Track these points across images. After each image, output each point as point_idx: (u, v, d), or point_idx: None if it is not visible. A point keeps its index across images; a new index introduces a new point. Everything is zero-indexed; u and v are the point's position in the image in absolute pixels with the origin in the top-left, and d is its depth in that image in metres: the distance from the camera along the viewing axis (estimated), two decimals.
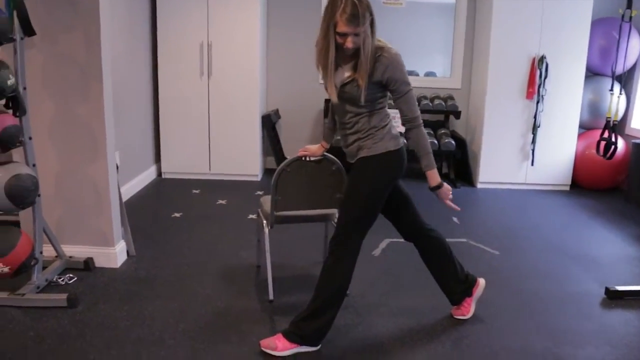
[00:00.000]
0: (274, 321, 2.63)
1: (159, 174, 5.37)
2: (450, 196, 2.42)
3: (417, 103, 2.30)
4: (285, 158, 5.55)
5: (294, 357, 2.32)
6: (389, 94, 2.30)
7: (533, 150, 5.25)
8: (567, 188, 5.42)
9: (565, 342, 2.54)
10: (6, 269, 2.55)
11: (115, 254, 3.17)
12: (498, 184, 5.41)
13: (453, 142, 5.25)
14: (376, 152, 2.29)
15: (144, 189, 4.90)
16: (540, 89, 5.11)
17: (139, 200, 4.56)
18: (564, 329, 2.67)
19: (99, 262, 3.16)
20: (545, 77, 5.08)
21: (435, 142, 5.26)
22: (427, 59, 5.88)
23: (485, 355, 2.41)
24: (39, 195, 2.76)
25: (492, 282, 3.08)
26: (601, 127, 4.80)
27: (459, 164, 5.60)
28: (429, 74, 5.87)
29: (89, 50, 2.91)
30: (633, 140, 5.02)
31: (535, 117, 5.18)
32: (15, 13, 2.54)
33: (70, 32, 2.89)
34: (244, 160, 5.26)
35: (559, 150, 5.29)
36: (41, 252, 2.82)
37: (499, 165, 5.34)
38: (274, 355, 2.32)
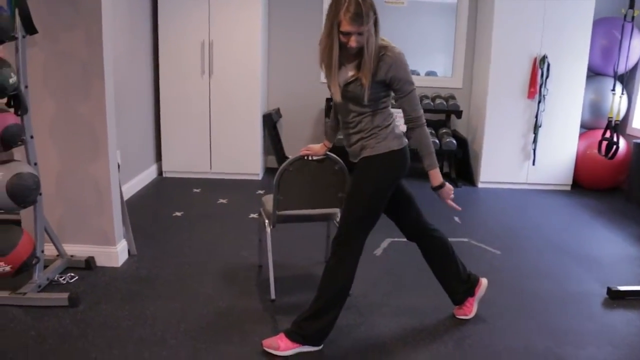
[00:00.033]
0: (276, 321, 2.62)
1: (160, 172, 5.37)
2: (452, 196, 2.41)
3: (420, 102, 2.29)
4: (286, 157, 5.56)
5: (296, 357, 2.32)
6: (392, 93, 2.29)
7: (534, 150, 5.25)
8: (568, 188, 5.42)
9: (567, 342, 2.54)
10: (7, 268, 2.54)
11: (116, 253, 3.17)
12: (499, 184, 5.40)
13: (454, 141, 5.25)
14: (379, 151, 2.28)
15: (145, 188, 4.90)
16: (542, 89, 5.10)
17: (140, 199, 4.56)
18: (565, 329, 2.67)
19: (100, 261, 3.16)
20: (547, 77, 5.08)
21: (437, 141, 5.25)
22: (428, 59, 5.87)
23: (487, 356, 2.40)
24: (40, 194, 2.75)
25: (493, 282, 3.07)
26: (602, 127, 4.80)
27: (460, 164, 5.60)
28: (429, 74, 5.86)
29: (90, 49, 2.90)
30: (634, 140, 5.01)
31: (536, 116, 5.17)
32: (17, 11, 2.53)
33: (71, 30, 2.88)
34: (245, 159, 5.25)
35: (560, 150, 5.29)
36: (42, 251, 2.82)
37: (500, 164, 5.34)
38: (277, 355, 2.31)
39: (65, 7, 2.85)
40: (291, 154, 5.63)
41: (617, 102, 4.41)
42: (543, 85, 5.09)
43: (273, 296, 2.83)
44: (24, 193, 2.56)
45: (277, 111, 5.68)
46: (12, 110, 2.61)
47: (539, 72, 5.08)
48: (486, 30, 5.27)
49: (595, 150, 4.99)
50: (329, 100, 5.50)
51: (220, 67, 5.05)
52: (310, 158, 2.63)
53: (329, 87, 2.27)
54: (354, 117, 2.31)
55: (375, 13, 2.09)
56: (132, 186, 4.64)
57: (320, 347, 2.38)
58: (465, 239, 3.88)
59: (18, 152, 2.87)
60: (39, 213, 2.79)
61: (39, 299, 2.68)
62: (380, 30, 2.15)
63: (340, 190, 2.75)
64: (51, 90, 2.96)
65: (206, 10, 4.93)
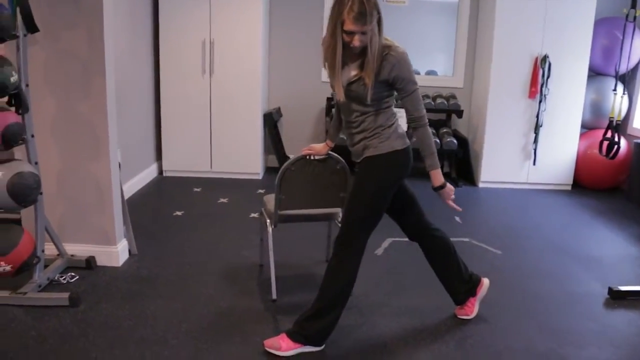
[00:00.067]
0: (278, 321, 2.62)
1: (160, 172, 5.36)
2: (453, 197, 2.41)
3: (422, 102, 2.29)
4: (287, 156, 5.56)
5: (297, 357, 2.31)
6: (395, 92, 2.28)
7: (535, 150, 5.24)
8: (569, 188, 5.42)
9: (568, 343, 2.53)
10: (8, 268, 2.54)
11: (117, 252, 3.16)
12: (500, 184, 5.40)
13: (455, 141, 5.24)
14: (382, 151, 2.28)
15: (145, 187, 4.89)
16: (543, 89, 5.10)
17: (140, 198, 4.55)
18: (567, 329, 2.67)
19: (101, 261, 3.15)
20: (548, 77, 5.07)
21: (437, 141, 5.25)
22: (428, 58, 5.86)
23: (489, 356, 2.40)
24: (41, 194, 2.75)
25: (495, 282, 3.07)
26: (603, 126, 4.80)
27: (461, 163, 5.59)
28: (430, 73, 5.85)
29: (91, 48, 2.89)
30: (635, 140, 5.00)
31: (537, 116, 5.17)
32: (18, 9, 2.52)
33: (73, 29, 2.87)
34: (246, 158, 5.24)
35: (561, 149, 5.28)
36: (43, 251, 2.81)
37: (500, 164, 5.33)
38: (278, 355, 2.31)
39: (67, 6, 2.84)
40: (292, 153, 5.64)
41: (618, 102, 4.41)
42: (544, 85, 5.09)
43: (274, 296, 2.82)
44: (25, 192, 2.55)
45: (278, 110, 5.67)
46: (13, 109, 2.60)
47: (540, 72, 5.07)
48: (487, 29, 5.26)
49: (596, 150, 4.98)
50: (329, 99, 5.50)
51: (221, 66, 5.04)
52: (312, 157, 2.63)
53: (332, 86, 2.26)
54: (357, 117, 2.30)
55: (378, 12, 2.09)
56: (132, 185, 4.63)
57: (322, 347, 2.37)
58: (466, 239, 3.87)
59: (19, 151, 2.87)
60: (39, 212, 2.79)
61: (39, 299, 2.68)
62: (383, 30, 2.15)
63: (342, 190, 2.75)
64: (52, 89, 2.95)
65: (207, 9, 4.92)
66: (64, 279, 2.94)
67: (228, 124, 5.15)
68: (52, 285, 2.88)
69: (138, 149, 4.80)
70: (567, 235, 4.08)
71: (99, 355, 2.26)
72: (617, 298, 3.02)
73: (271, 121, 5.37)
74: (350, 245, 2.30)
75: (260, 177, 5.37)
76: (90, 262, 3.08)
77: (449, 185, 2.39)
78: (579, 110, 5.20)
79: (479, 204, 4.86)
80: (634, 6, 3.76)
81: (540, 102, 5.13)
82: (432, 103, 5.40)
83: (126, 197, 4.33)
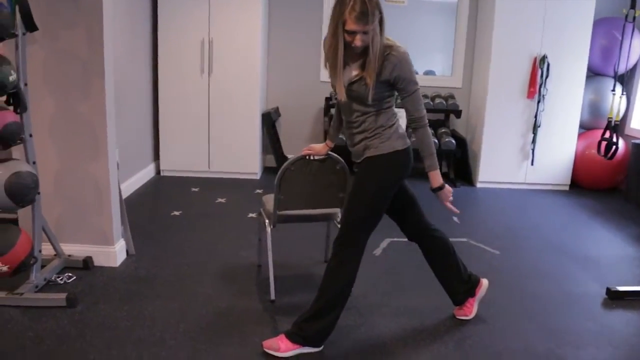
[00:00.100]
0: (276, 321, 2.61)
1: (158, 171, 5.34)
2: (451, 198, 2.41)
3: (423, 103, 2.28)
4: (285, 156, 5.55)
5: (296, 358, 2.31)
6: (396, 93, 2.28)
7: (533, 150, 5.25)
8: (567, 188, 5.42)
9: (567, 343, 2.53)
10: (5, 268, 2.52)
11: (114, 252, 3.15)
12: (498, 184, 5.40)
13: (453, 141, 5.24)
14: (383, 151, 2.27)
15: (143, 186, 4.87)
16: (542, 89, 5.10)
17: (138, 198, 4.53)
18: (565, 329, 2.67)
19: (98, 261, 3.13)
20: (547, 77, 5.08)
21: (436, 141, 5.25)
22: (426, 57, 5.86)
23: (488, 356, 2.40)
24: (38, 193, 2.73)
25: (493, 282, 3.07)
26: (601, 127, 4.80)
27: (459, 163, 5.59)
28: (428, 73, 5.85)
29: (91, 47, 2.88)
30: (633, 141, 5.02)
31: (535, 116, 5.17)
32: (17, 8, 2.50)
33: (72, 28, 2.85)
34: (244, 158, 5.23)
35: (559, 150, 5.29)
36: (40, 251, 2.80)
37: (499, 164, 5.34)
38: (277, 356, 2.30)
39: (66, 5, 2.82)
40: (290, 153, 5.63)
41: (617, 102, 4.41)
42: (543, 85, 5.09)
43: (273, 296, 2.81)
44: (23, 192, 2.53)
45: (276, 110, 5.66)
46: (11, 108, 2.58)
47: (538, 72, 5.07)
48: (486, 29, 5.26)
49: (594, 151, 4.99)
50: (328, 99, 5.49)
51: (219, 66, 5.02)
52: (312, 158, 2.62)
53: (334, 86, 2.25)
54: (357, 117, 2.29)
55: (380, 12, 2.08)
56: (130, 185, 4.62)
57: (321, 348, 2.37)
58: (464, 239, 3.87)
59: (17, 151, 2.85)
60: (37, 212, 2.77)
61: (36, 300, 2.66)
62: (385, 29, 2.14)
63: (342, 190, 2.74)
64: (51, 89, 2.93)
65: (206, 9, 4.90)
66: (61, 280, 2.92)
67: (226, 124, 5.14)
68: (49, 285, 2.86)
69: (135, 149, 4.78)
70: (565, 235, 4.08)
71: (97, 357, 2.25)
72: (615, 298, 3.02)
73: (269, 121, 5.36)
74: (350, 246, 2.29)
75: (258, 177, 5.36)
76: (87, 262, 3.07)
77: (447, 187, 2.38)
78: (577, 110, 5.21)
79: (477, 204, 4.86)
80: (633, 6, 3.76)
81: (538, 102, 5.14)
82: (431, 103, 5.40)
83: (124, 197, 4.32)
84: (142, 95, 4.89)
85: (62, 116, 2.97)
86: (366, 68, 2.15)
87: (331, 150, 2.64)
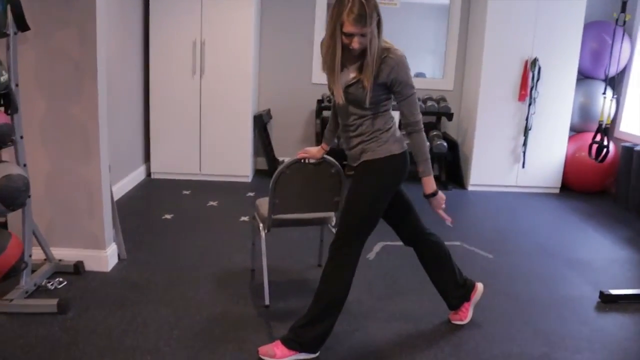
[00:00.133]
0: (271, 327, 2.58)
1: (148, 174, 5.29)
2: (444, 206, 2.40)
3: (419, 107, 2.27)
4: (276, 159, 5.52)
5: None
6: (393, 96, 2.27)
7: (524, 153, 5.27)
8: (557, 191, 5.45)
9: (562, 347, 2.54)
10: None
11: (106, 257, 3.10)
12: (489, 187, 5.41)
13: (445, 144, 5.24)
14: (380, 155, 2.26)
15: (133, 189, 4.82)
16: (533, 92, 5.13)
17: (129, 201, 4.48)
18: (560, 333, 2.67)
19: (89, 266, 3.09)
20: (538, 80, 5.10)
21: (427, 144, 5.24)
22: (417, 60, 5.87)
23: None
24: (29, 196, 2.68)
25: (487, 286, 3.06)
26: (591, 130, 4.83)
27: (451, 166, 5.60)
28: (418, 75, 5.85)
29: (83, 48, 2.83)
30: (622, 144, 5.05)
31: (526, 119, 5.20)
32: (8, 7, 2.46)
33: (64, 28, 2.80)
34: (235, 161, 5.19)
35: (550, 152, 5.32)
36: (30, 256, 2.74)
37: (490, 167, 5.35)
38: None
39: (59, 4, 2.77)
40: (281, 155, 5.60)
41: (608, 105, 4.44)
42: (534, 88, 5.12)
43: (267, 302, 2.78)
44: (13, 195, 2.48)
45: (268, 112, 5.63)
46: (2, 109, 2.53)
47: (529, 75, 5.10)
48: (478, 32, 5.28)
49: (584, 153, 5.02)
50: (320, 101, 5.47)
51: (211, 67, 4.98)
52: (307, 161, 2.60)
53: (331, 89, 2.23)
54: (354, 120, 2.28)
55: (378, 14, 2.07)
56: (120, 187, 4.56)
57: (317, 354, 2.35)
58: (458, 243, 3.87)
59: (6, 153, 2.79)
60: (27, 216, 2.72)
61: (26, 306, 2.61)
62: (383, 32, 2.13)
63: (337, 194, 2.72)
64: (42, 90, 2.88)
65: (198, 10, 4.86)
66: (52, 285, 2.87)
67: (218, 126, 5.10)
68: (39, 291, 2.81)
69: (126, 151, 4.73)
70: (557, 238, 4.10)
71: None
72: (608, 302, 3.04)
73: (261, 123, 5.33)
74: (346, 251, 2.28)
75: (249, 179, 5.32)
76: (78, 267, 3.02)
77: (440, 194, 2.37)
78: (568, 113, 5.24)
79: (469, 207, 4.87)
80: (623, 10, 3.78)
81: (529, 105, 5.16)
82: (423, 105, 5.40)
83: (115, 200, 4.27)
84: (133, 96, 4.83)
85: (54, 118, 2.92)
86: (364, 71, 2.14)
87: (326, 153, 2.62)
